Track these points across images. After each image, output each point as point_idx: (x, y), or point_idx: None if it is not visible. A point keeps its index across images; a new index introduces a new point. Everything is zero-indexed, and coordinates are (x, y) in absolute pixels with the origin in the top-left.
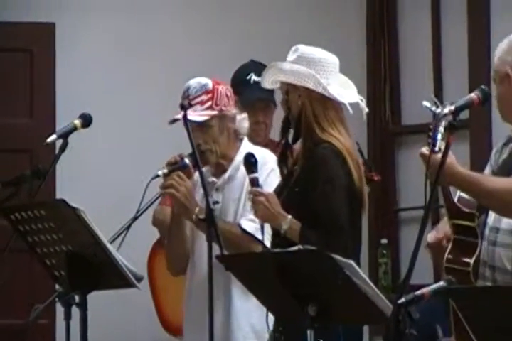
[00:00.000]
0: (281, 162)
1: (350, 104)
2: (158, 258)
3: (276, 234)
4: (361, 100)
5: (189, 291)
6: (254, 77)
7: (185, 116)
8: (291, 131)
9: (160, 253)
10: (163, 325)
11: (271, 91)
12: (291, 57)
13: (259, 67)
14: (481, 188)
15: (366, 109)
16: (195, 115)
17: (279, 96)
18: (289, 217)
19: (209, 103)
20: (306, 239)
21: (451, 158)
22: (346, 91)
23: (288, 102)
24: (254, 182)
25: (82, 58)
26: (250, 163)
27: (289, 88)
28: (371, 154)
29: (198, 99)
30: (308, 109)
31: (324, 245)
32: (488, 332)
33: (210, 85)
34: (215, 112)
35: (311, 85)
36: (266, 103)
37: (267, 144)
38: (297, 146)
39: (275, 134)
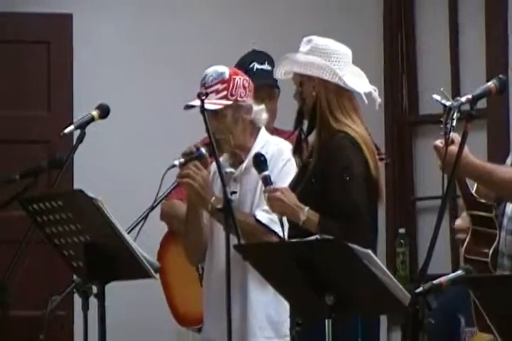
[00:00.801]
0: (296, 153)
1: (365, 95)
2: (168, 252)
3: (293, 225)
4: (374, 90)
5: (207, 281)
6: (256, 65)
7: (202, 106)
8: (305, 123)
9: (170, 246)
10: (175, 317)
11: (274, 78)
12: (304, 48)
13: (261, 56)
14: (494, 179)
15: (379, 99)
16: (209, 103)
17: (290, 87)
18: (306, 208)
19: (224, 92)
20: (325, 229)
21: (464, 149)
22: (360, 81)
23: (302, 93)
24: (267, 180)
25: (99, 49)
26: (259, 162)
27: (302, 79)
28: (388, 144)
29: (214, 88)
30: (323, 99)
31: (344, 234)
32: (507, 321)
33: (227, 75)
34: (229, 102)
35: (326, 76)
36: (270, 90)
37: (272, 132)
38: (310, 139)
39: (281, 123)
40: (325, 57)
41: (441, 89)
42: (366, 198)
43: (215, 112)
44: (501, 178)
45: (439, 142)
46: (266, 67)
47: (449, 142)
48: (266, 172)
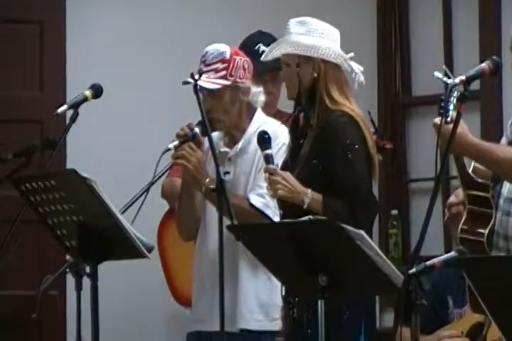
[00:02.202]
0: (292, 129)
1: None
2: (168, 230)
3: (285, 205)
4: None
5: (199, 259)
6: (262, 48)
7: (195, 85)
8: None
9: (170, 224)
10: (174, 296)
11: (278, 60)
12: (298, 29)
13: (267, 38)
14: (494, 157)
15: (362, 78)
16: (208, 82)
17: None
18: (309, 190)
19: (223, 72)
20: (329, 209)
21: (463, 128)
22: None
23: (299, 74)
24: (269, 159)
25: (92, 30)
26: (264, 139)
27: (300, 60)
28: (382, 125)
29: (213, 66)
30: (322, 80)
31: (349, 211)
32: (499, 302)
33: (228, 54)
34: (228, 82)
35: (331, 57)
36: (275, 73)
37: (275, 115)
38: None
39: (283, 105)
40: (325, 39)
41: (443, 67)
42: (368, 174)
43: (212, 91)
44: (502, 157)
45: (439, 120)
46: None
47: (449, 120)
48: (269, 151)
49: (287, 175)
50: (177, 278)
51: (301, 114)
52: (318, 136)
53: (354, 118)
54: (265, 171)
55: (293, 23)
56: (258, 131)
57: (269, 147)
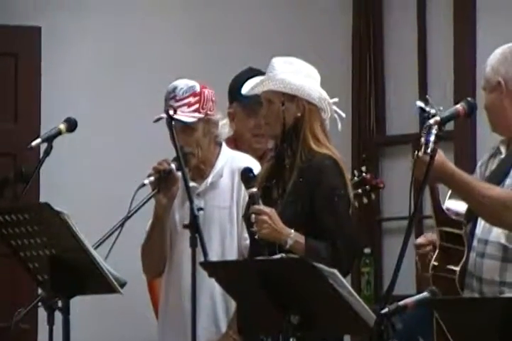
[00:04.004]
0: (272, 168)
1: None
2: None
3: (255, 242)
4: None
5: (167, 297)
6: None
7: (170, 121)
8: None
9: None
10: None
11: None
12: (286, 68)
13: (257, 74)
14: (476, 194)
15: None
16: (183, 116)
17: None
18: (292, 231)
19: (196, 106)
20: (313, 251)
21: (446, 161)
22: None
23: (284, 113)
24: (255, 198)
25: (67, 62)
26: (249, 178)
27: (285, 99)
28: (355, 164)
29: (185, 101)
30: (306, 121)
31: (332, 254)
32: None
33: (198, 88)
34: (201, 115)
35: (316, 100)
36: None
37: (265, 153)
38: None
39: None
40: (309, 80)
41: (427, 96)
42: (351, 219)
43: (186, 125)
44: (484, 194)
45: (421, 154)
46: None
47: (428, 151)
48: (254, 189)
49: (273, 213)
50: None
51: (285, 153)
52: (303, 177)
53: (338, 163)
54: (252, 212)
55: (279, 62)
56: (241, 168)
57: (253, 185)
